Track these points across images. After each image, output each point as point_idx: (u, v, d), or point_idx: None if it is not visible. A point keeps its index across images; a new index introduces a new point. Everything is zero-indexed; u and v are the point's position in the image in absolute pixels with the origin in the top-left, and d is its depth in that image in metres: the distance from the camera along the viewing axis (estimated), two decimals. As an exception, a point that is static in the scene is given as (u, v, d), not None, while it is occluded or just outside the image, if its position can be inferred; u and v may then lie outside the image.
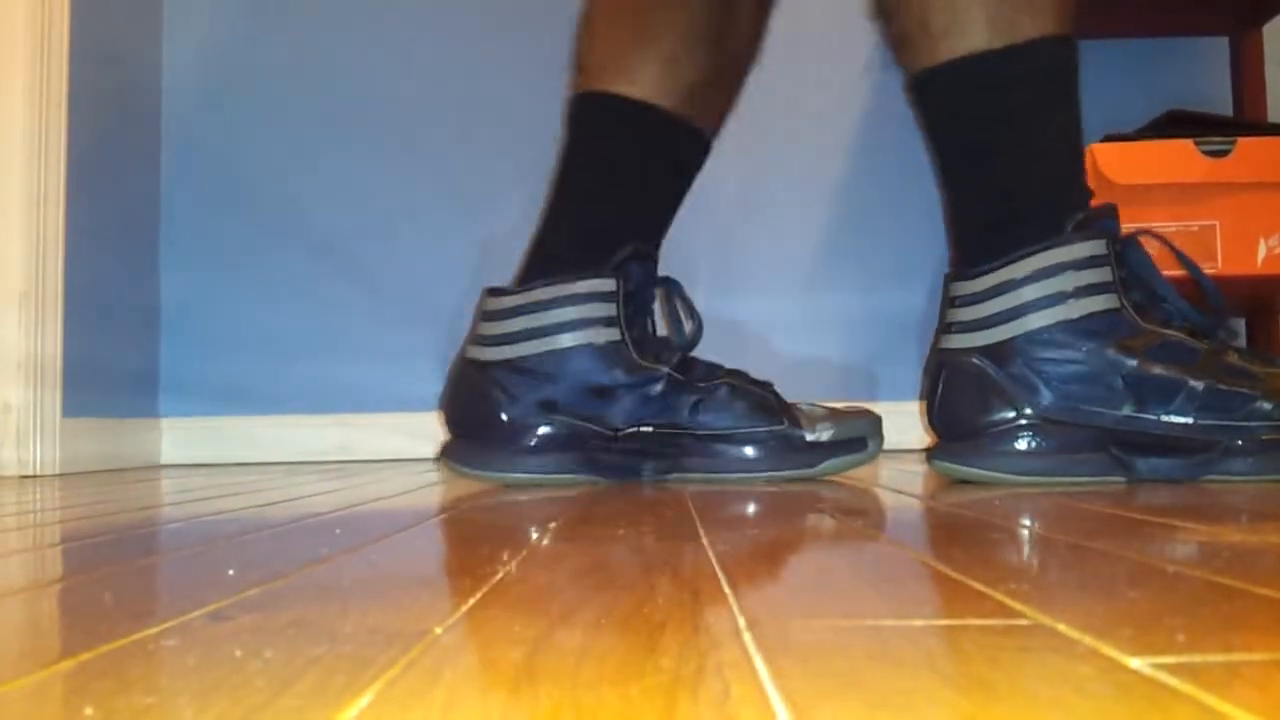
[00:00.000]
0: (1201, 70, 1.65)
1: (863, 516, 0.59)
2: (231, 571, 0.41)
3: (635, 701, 0.22)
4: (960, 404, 0.85)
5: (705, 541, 0.48)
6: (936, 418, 0.88)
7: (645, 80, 0.96)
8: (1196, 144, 1.30)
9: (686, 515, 0.61)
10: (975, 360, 0.84)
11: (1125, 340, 0.82)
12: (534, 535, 0.53)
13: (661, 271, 1.03)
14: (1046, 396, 0.82)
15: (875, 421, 0.96)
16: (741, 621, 0.30)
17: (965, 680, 0.23)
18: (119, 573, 0.42)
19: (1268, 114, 1.59)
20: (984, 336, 0.84)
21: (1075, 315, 0.82)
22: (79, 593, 0.37)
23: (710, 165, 1.66)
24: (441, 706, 0.22)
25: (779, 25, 1.69)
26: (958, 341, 0.86)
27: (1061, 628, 0.28)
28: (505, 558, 0.44)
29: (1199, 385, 0.81)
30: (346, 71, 1.67)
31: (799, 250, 1.64)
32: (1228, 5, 1.54)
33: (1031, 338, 0.82)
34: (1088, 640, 0.27)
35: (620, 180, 1.00)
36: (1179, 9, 1.54)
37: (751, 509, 0.66)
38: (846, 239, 1.64)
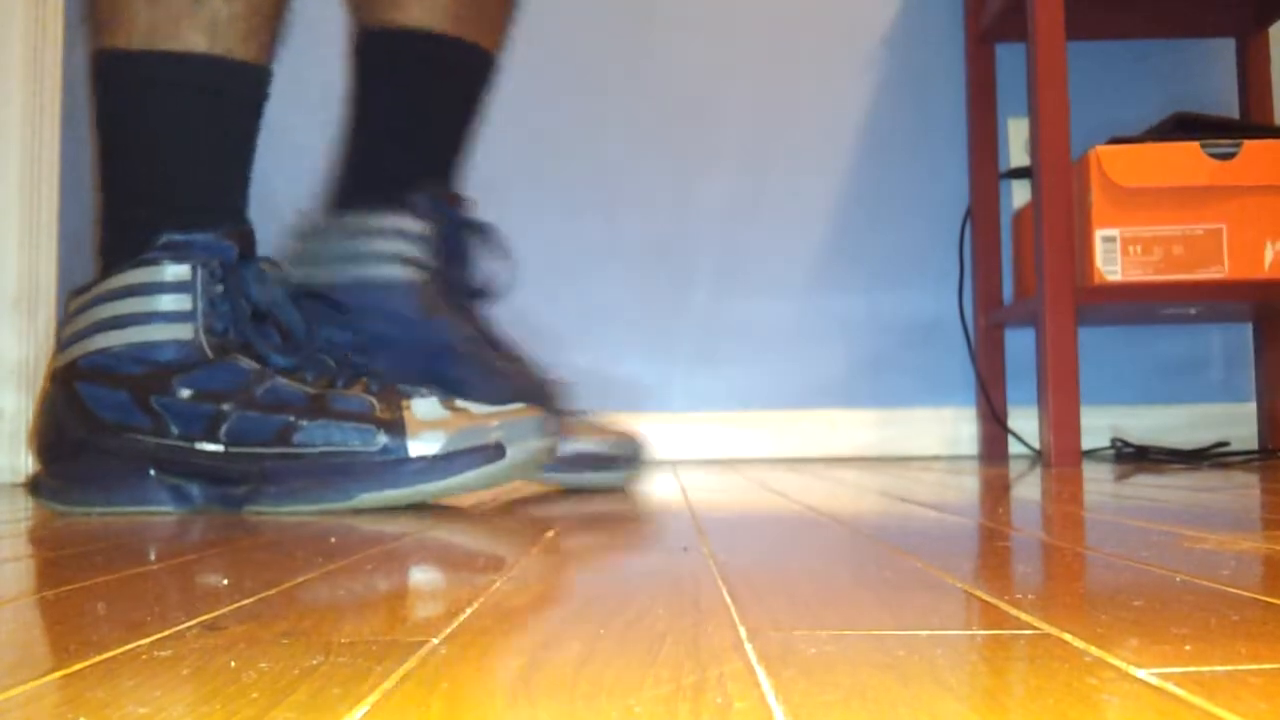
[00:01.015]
0: (1208, 72, 1.64)
1: (866, 525, 0.59)
2: (225, 581, 0.41)
3: (635, 713, 0.22)
4: (42, 430, 0.82)
5: (706, 550, 0.48)
6: (35, 443, 0.83)
7: (413, 5, 0.95)
8: (1203, 146, 1.30)
9: (687, 524, 0.61)
10: (54, 383, 0.81)
11: (180, 370, 0.77)
12: (532, 544, 0.53)
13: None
14: (96, 423, 0.77)
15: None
16: (743, 632, 0.29)
17: (971, 692, 0.23)
18: (112, 581, 0.41)
19: (1274, 116, 1.58)
20: (63, 356, 0.81)
21: (135, 340, 0.77)
22: (72, 601, 0.37)
23: (710, 167, 1.67)
24: (438, 718, 0.22)
25: (779, 25, 1.70)
26: (58, 360, 0.82)
27: (1068, 637, 0.28)
28: (502, 567, 0.44)
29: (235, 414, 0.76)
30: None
31: (799, 252, 1.64)
32: (1234, 6, 1.53)
33: (90, 360, 0.78)
34: (1095, 650, 0.26)
35: (410, 110, 0.98)
36: (1185, 10, 1.53)
37: (753, 518, 0.66)
38: (848, 242, 1.64)
